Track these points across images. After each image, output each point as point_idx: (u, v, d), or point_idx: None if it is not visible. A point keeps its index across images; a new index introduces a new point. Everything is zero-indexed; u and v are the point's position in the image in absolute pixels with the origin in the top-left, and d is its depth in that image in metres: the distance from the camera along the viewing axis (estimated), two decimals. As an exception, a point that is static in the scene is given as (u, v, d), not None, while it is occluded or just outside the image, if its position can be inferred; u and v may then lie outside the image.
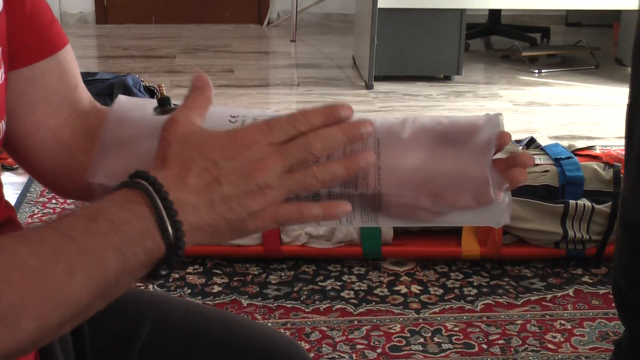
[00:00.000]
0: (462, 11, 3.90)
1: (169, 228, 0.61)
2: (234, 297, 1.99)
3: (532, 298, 2.01)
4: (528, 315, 1.93)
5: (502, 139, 0.74)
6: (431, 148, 0.74)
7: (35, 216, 2.41)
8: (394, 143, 0.74)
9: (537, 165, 2.30)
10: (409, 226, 2.21)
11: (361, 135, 0.68)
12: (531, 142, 2.46)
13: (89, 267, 0.58)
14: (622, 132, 1.53)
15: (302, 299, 1.99)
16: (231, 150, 0.64)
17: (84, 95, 0.84)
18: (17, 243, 0.57)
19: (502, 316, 1.93)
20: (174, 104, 0.81)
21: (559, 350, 1.80)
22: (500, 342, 1.82)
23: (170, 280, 2.06)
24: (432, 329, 1.86)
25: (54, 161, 0.81)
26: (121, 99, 0.83)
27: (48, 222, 0.60)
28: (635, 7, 3.66)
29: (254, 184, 0.64)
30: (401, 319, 1.91)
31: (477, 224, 0.80)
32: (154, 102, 0.82)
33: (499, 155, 0.75)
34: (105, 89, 3.06)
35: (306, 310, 1.94)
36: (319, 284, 2.06)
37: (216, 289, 2.02)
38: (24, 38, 0.76)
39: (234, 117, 0.78)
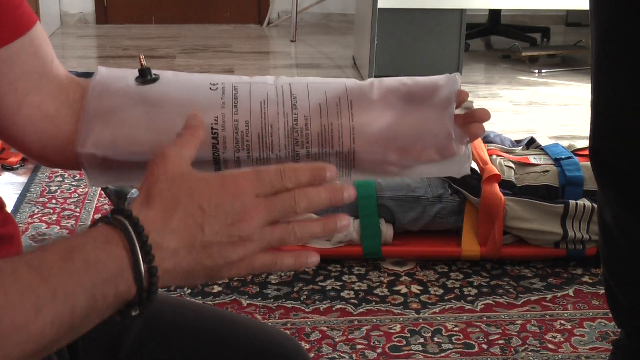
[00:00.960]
0: (462, 11, 3.90)
1: (143, 273, 0.61)
2: (234, 297, 1.99)
3: (532, 298, 2.01)
4: (528, 315, 1.93)
5: (461, 96, 0.81)
6: (398, 107, 0.82)
7: (35, 216, 2.41)
8: (365, 104, 0.81)
9: (537, 165, 2.30)
10: (408, 229, 2.21)
11: (343, 200, 0.69)
12: (531, 142, 2.46)
13: (56, 307, 0.58)
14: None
15: (302, 299, 1.99)
16: (218, 197, 0.65)
17: (61, 69, 0.86)
18: None
19: (502, 316, 1.93)
20: (154, 74, 0.83)
21: (559, 350, 1.80)
22: (500, 342, 1.82)
23: (170, 280, 2.06)
24: (432, 329, 1.86)
25: (40, 135, 0.82)
26: (102, 70, 0.85)
27: (24, 255, 0.60)
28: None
29: (236, 235, 0.65)
30: (401, 319, 1.91)
31: (440, 175, 0.91)
32: (134, 72, 0.84)
33: (457, 112, 0.82)
34: (105, 89, 3.06)
35: (306, 310, 1.94)
36: (319, 284, 2.06)
37: (216, 289, 2.02)
38: None
39: (214, 84, 0.82)
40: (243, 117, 0.82)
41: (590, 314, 1.94)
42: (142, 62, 0.84)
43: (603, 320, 1.91)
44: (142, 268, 0.61)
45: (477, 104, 3.70)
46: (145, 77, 0.83)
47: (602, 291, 2.03)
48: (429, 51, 3.98)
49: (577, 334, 1.86)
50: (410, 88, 0.84)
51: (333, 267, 2.14)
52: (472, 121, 0.83)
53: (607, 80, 1.40)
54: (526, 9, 4.85)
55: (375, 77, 3.72)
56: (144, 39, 5.00)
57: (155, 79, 0.83)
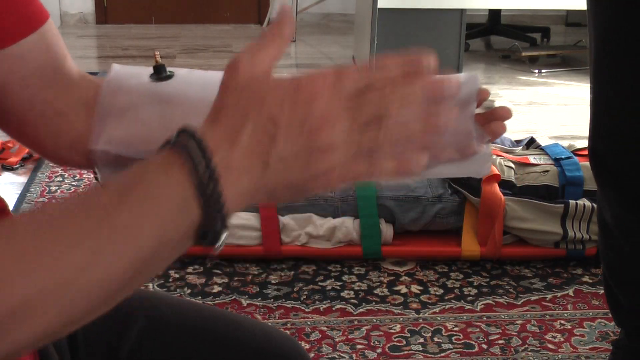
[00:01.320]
0: (462, 11, 3.90)
1: (210, 197, 0.55)
2: (234, 297, 1.99)
3: (532, 298, 2.01)
4: (528, 315, 1.93)
5: (481, 95, 0.77)
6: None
7: (35, 216, 2.41)
8: None
9: (537, 165, 2.30)
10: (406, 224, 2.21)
11: (444, 96, 0.62)
12: (531, 142, 2.46)
13: (118, 245, 0.54)
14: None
15: (302, 299, 1.99)
16: (292, 104, 0.57)
17: (73, 67, 0.84)
18: (37, 223, 0.54)
19: (502, 316, 1.93)
20: (169, 71, 0.82)
21: (559, 350, 1.80)
22: (500, 342, 1.82)
23: (170, 280, 2.06)
24: (432, 329, 1.86)
25: (53, 132, 0.81)
26: (116, 67, 0.83)
27: (81, 196, 0.56)
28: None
29: (317, 144, 0.57)
30: (401, 319, 1.91)
31: (460, 175, 0.84)
32: (149, 70, 0.83)
33: (478, 111, 0.79)
34: (105, 89, 3.06)
35: (306, 310, 1.94)
36: (319, 284, 2.06)
37: (216, 289, 2.02)
38: (7, 17, 0.77)
39: None
40: None
41: (590, 314, 1.94)
42: (157, 59, 0.82)
43: (603, 320, 1.91)
44: (209, 192, 0.55)
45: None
46: (160, 74, 0.82)
47: (602, 291, 2.03)
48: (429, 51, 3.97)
49: (577, 334, 1.86)
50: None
51: (333, 267, 2.14)
52: (493, 119, 0.80)
53: (606, 80, 1.40)
54: (526, 9, 4.85)
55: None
56: (144, 39, 5.00)
57: (170, 76, 0.82)
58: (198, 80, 0.83)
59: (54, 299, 0.52)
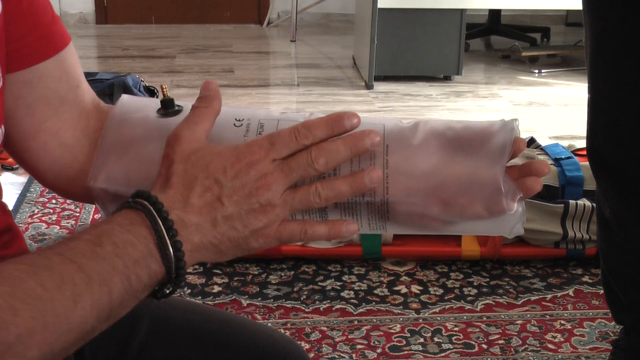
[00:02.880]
0: (462, 11, 3.90)
1: (169, 248, 0.62)
2: (234, 297, 1.99)
3: (532, 298, 2.01)
4: (528, 315, 1.93)
5: (517, 145, 0.70)
6: (442, 154, 0.71)
7: (35, 216, 2.41)
8: (403, 149, 0.71)
9: (537, 165, 2.30)
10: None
11: (366, 148, 0.66)
12: (531, 142, 2.46)
13: (94, 294, 0.59)
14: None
15: (302, 299, 1.99)
16: (234, 168, 0.65)
17: (87, 95, 0.82)
18: (23, 272, 0.58)
19: (502, 316, 1.93)
20: (177, 105, 0.78)
21: (559, 350, 1.80)
22: (500, 342, 1.82)
23: (170, 280, 2.06)
24: (432, 329, 1.86)
25: (55, 163, 0.79)
26: (124, 99, 0.80)
27: (54, 246, 0.61)
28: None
29: (256, 203, 0.65)
30: (401, 319, 1.91)
31: (488, 234, 0.77)
32: (157, 102, 0.79)
33: (514, 162, 0.72)
34: (105, 89, 3.06)
35: (306, 310, 1.94)
36: (319, 284, 2.06)
37: (216, 289, 2.02)
38: (23, 39, 0.74)
39: (239, 120, 0.74)
40: None
41: (590, 314, 1.94)
42: (165, 92, 0.78)
43: (603, 320, 1.91)
44: (168, 243, 0.62)
45: (477, 104, 3.70)
46: (167, 108, 0.77)
47: (602, 291, 2.03)
48: (429, 51, 3.98)
49: (577, 334, 1.86)
50: (459, 133, 0.72)
51: (333, 267, 2.14)
52: (528, 174, 0.71)
53: (603, 79, 1.40)
54: (526, 9, 4.85)
55: (375, 76, 3.70)
56: (144, 39, 5.00)
57: (178, 111, 0.77)
58: None
59: (40, 339, 0.57)
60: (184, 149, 0.66)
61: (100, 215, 2.40)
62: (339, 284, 2.06)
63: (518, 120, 0.72)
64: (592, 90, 1.43)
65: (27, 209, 2.46)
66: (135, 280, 0.61)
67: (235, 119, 0.75)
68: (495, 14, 4.91)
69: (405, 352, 1.78)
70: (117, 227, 0.62)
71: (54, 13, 0.77)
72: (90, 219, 2.39)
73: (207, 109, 0.70)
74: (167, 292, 0.65)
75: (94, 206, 2.47)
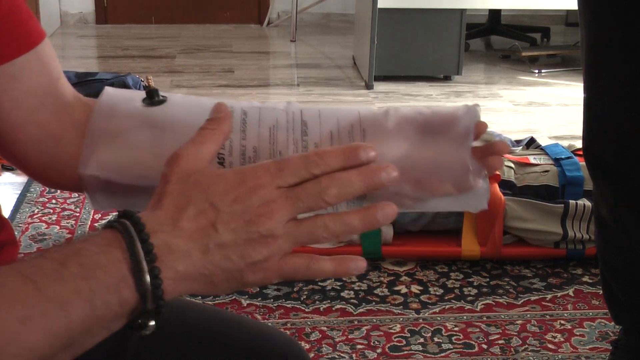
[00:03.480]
0: (462, 11, 3.90)
1: (146, 275, 0.56)
2: (234, 297, 1.99)
3: (532, 298, 2.01)
4: (528, 315, 1.93)
5: (479, 128, 0.76)
6: (413, 138, 0.76)
7: (35, 216, 2.41)
8: (379, 134, 0.75)
9: (537, 165, 2.30)
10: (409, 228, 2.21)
11: (382, 182, 0.62)
12: (531, 142, 2.46)
13: (48, 317, 0.54)
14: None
15: (302, 299, 1.99)
16: (234, 192, 0.59)
17: (67, 88, 0.83)
18: None
19: (502, 316, 1.93)
20: (162, 96, 0.80)
21: (559, 350, 1.80)
22: (500, 342, 1.82)
23: (170, 280, 2.06)
24: (432, 329, 1.86)
25: (43, 154, 0.80)
26: (108, 90, 0.82)
27: (19, 262, 0.56)
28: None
29: (256, 232, 0.59)
30: (401, 319, 1.91)
31: (456, 210, 0.83)
32: (142, 94, 0.81)
33: (476, 144, 0.77)
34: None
35: (306, 310, 1.94)
36: (319, 284, 2.06)
37: (216, 289, 2.02)
38: (2, 36, 0.76)
39: None
40: (251, 142, 0.76)
41: (590, 314, 1.94)
42: (150, 83, 0.81)
43: (603, 320, 1.91)
44: (144, 269, 0.56)
45: (477, 104, 3.70)
46: (152, 98, 0.80)
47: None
48: (429, 51, 3.98)
49: (577, 334, 1.86)
50: (427, 118, 0.78)
51: (333, 267, 2.14)
52: (490, 154, 0.78)
53: (599, 79, 1.41)
54: (526, 9, 4.85)
55: (375, 76, 3.71)
56: (144, 39, 5.00)
57: (162, 101, 0.80)
58: (191, 106, 0.81)
59: None
60: (182, 169, 0.61)
61: (93, 209, 2.41)
62: (339, 284, 2.06)
63: (479, 105, 0.78)
64: (588, 90, 1.43)
65: (27, 209, 2.46)
66: (102, 307, 0.55)
67: None
68: (495, 14, 4.91)
69: (405, 352, 1.78)
70: (90, 247, 0.57)
71: (29, 11, 0.78)
72: (90, 219, 2.39)
73: (214, 131, 0.65)
74: (148, 324, 0.58)
75: (94, 206, 2.46)
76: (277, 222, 0.59)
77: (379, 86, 3.91)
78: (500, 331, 1.86)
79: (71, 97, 0.83)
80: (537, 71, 4.31)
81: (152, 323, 0.58)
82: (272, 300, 1.98)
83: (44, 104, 0.80)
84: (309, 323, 1.89)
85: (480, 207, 0.79)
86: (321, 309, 1.94)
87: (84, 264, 0.56)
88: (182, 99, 0.82)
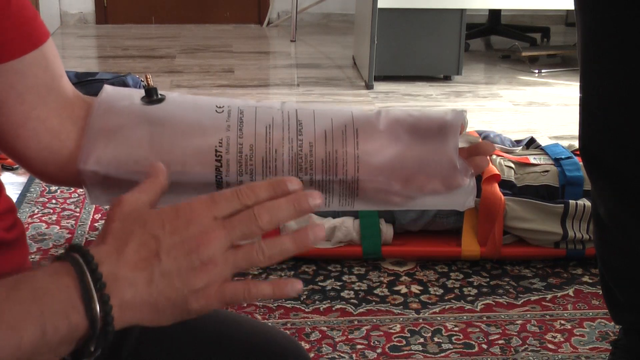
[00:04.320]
0: (462, 11, 3.90)
1: (95, 301, 0.58)
2: (234, 297, 1.99)
3: (532, 298, 2.01)
4: (528, 315, 1.93)
5: (462, 128, 0.82)
6: (403, 137, 0.81)
7: (35, 216, 2.41)
8: (371, 133, 0.80)
9: (537, 165, 2.30)
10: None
11: (310, 208, 0.66)
12: (531, 142, 2.46)
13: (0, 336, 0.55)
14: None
15: (302, 299, 1.99)
16: (173, 224, 0.62)
17: (68, 85, 0.85)
18: None
19: (502, 316, 1.93)
20: (161, 94, 0.83)
21: (559, 350, 1.80)
22: (500, 342, 1.82)
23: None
24: (432, 329, 1.86)
25: (43, 150, 0.82)
26: (107, 88, 0.84)
27: None
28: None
29: (197, 260, 0.62)
30: (401, 319, 1.91)
31: (444, 207, 0.87)
32: (140, 92, 0.83)
33: (462, 145, 0.83)
34: (105, 89, 3.06)
35: (306, 310, 1.94)
36: (319, 284, 2.06)
37: (216, 289, 2.02)
38: (10, 33, 0.77)
39: (219, 107, 0.81)
40: (248, 140, 0.80)
41: (590, 314, 1.94)
42: (149, 82, 0.83)
43: (603, 320, 1.91)
44: (94, 295, 0.58)
45: (477, 103, 3.70)
46: (151, 97, 0.83)
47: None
48: (429, 51, 3.98)
49: (577, 334, 1.86)
50: (417, 120, 0.82)
51: (333, 267, 2.14)
52: (476, 154, 0.83)
53: (595, 78, 1.41)
54: (526, 9, 4.85)
55: (375, 76, 3.71)
56: (144, 39, 5.00)
57: (161, 99, 0.83)
58: (189, 105, 0.83)
59: None
60: (123, 209, 0.64)
61: (99, 215, 2.41)
62: (339, 284, 2.06)
63: (466, 110, 0.84)
64: (584, 89, 1.43)
65: (27, 209, 2.46)
66: (52, 332, 0.57)
67: (217, 106, 0.81)
68: (495, 14, 4.91)
69: (405, 352, 1.78)
70: (40, 275, 0.59)
71: (35, 10, 0.81)
72: (90, 219, 2.39)
73: (152, 184, 0.68)
74: (92, 350, 0.60)
75: (94, 205, 2.47)
76: (216, 249, 0.62)
77: (379, 86, 3.91)
78: (500, 331, 1.86)
79: (72, 95, 0.84)
80: (537, 71, 4.31)
81: (95, 348, 0.60)
82: (272, 300, 1.98)
83: (46, 101, 0.81)
84: (309, 323, 1.89)
85: (467, 205, 0.83)
86: (321, 309, 1.95)
87: (35, 288, 0.57)
88: (179, 97, 0.84)
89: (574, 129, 3.29)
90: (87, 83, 3.07)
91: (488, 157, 0.83)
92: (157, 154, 0.80)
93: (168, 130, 0.81)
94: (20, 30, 0.78)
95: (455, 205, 0.84)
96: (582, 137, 1.47)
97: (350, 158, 0.80)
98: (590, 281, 2.09)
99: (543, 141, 2.55)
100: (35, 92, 0.80)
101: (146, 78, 0.84)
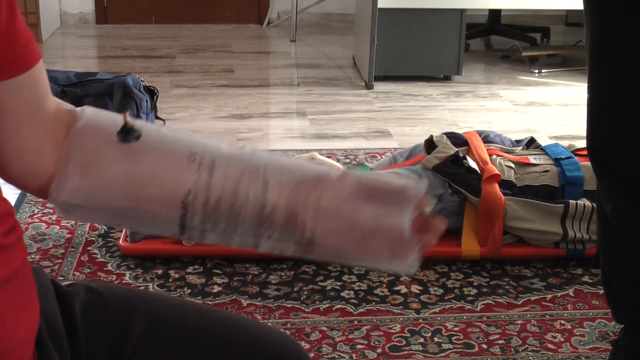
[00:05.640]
0: (462, 11, 3.90)
1: None
2: (234, 297, 1.99)
3: (532, 298, 2.01)
4: (528, 315, 1.93)
5: (422, 202, 0.86)
6: (363, 202, 0.85)
7: (35, 216, 2.41)
8: (333, 195, 0.85)
9: (537, 165, 2.30)
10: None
11: None
12: (531, 142, 2.46)
13: None
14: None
15: (302, 299, 1.99)
16: None
17: (52, 102, 0.87)
18: None
19: (502, 316, 1.93)
20: (137, 130, 0.85)
21: (559, 350, 1.80)
22: (500, 342, 1.82)
23: (170, 280, 2.06)
24: (432, 329, 1.86)
25: (24, 167, 0.85)
26: (87, 113, 0.87)
27: None
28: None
29: None
30: (401, 319, 1.91)
31: (386, 270, 0.91)
32: (120, 119, 0.86)
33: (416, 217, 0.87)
34: (105, 89, 3.06)
35: (306, 310, 1.94)
36: (319, 284, 2.06)
37: (216, 289, 2.02)
38: (7, 54, 0.79)
39: (192, 154, 0.85)
40: (215, 193, 0.85)
41: (590, 314, 1.94)
42: (127, 120, 0.86)
43: (603, 320, 1.91)
44: None
45: (477, 104, 3.70)
46: (127, 134, 0.85)
47: (602, 291, 2.03)
48: (429, 51, 3.98)
49: (577, 334, 1.86)
50: (379, 187, 0.87)
51: (333, 267, 2.14)
52: (428, 229, 0.87)
53: (603, 78, 1.41)
54: (526, 9, 4.85)
55: (375, 76, 3.69)
56: (144, 39, 5.00)
57: (137, 137, 0.86)
58: (165, 147, 0.87)
59: None
60: None
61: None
62: (339, 284, 2.06)
63: (428, 182, 0.93)
64: (592, 89, 1.43)
65: (27, 209, 2.46)
66: None
67: (190, 152, 0.86)
68: (495, 14, 4.91)
69: (405, 352, 1.78)
70: None
71: (30, 33, 0.83)
72: (90, 219, 2.39)
73: None
74: None
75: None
76: None
77: (379, 86, 3.91)
78: (500, 331, 1.86)
79: (54, 112, 0.87)
80: (537, 71, 4.31)
81: None
82: (272, 300, 1.98)
83: (32, 120, 0.84)
84: (309, 323, 1.88)
85: (407, 274, 0.87)
86: (321, 309, 1.94)
87: None
88: (156, 134, 0.87)
89: (574, 129, 3.30)
90: (87, 83, 3.07)
91: (437, 237, 0.88)
92: (130, 190, 0.84)
93: (142, 170, 0.85)
94: (17, 52, 0.80)
95: (396, 271, 0.89)
96: (589, 136, 1.47)
97: (309, 219, 0.84)
98: (590, 281, 2.09)
99: (543, 141, 2.55)
100: (22, 111, 0.83)
101: (125, 116, 0.86)
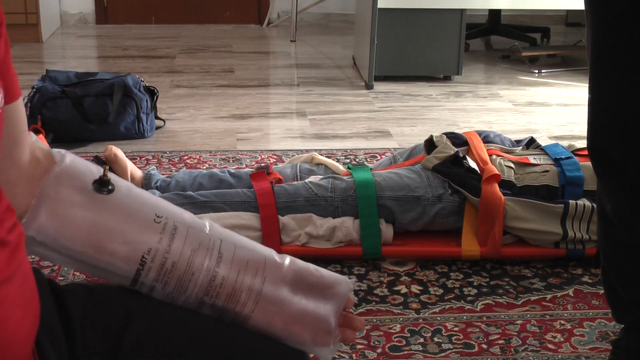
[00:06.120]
0: (462, 11, 3.90)
1: None
2: (234, 297, 1.99)
3: (532, 298, 2.01)
4: (528, 315, 1.93)
5: (348, 302, 1.00)
6: (300, 290, 0.98)
7: (35, 216, 2.41)
8: (276, 282, 0.97)
9: (537, 165, 2.30)
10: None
11: None
12: (531, 142, 2.46)
13: None
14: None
15: (302, 299, 1.98)
16: None
17: (29, 140, 0.91)
18: None
19: (502, 316, 1.93)
20: (111, 185, 0.92)
21: (559, 350, 1.80)
22: (500, 342, 1.82)
23: (170, 280, 2.06)
24: (432, 329, 1.86)
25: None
26: (67, 160, 0.92)
27: None
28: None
29: None
30: (401, 319, 1.91)
31: (307, 352, 1.00)
32: (98, 170, 0.92)
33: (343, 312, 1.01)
34: (105, 89, 3.06)
35: (306, 310, 1.94)
36: (319, 284, 2.05)
37: (216, 289, 2.02)
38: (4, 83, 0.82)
39: (159, 217, 0.93)
40: (172, 257, 0.93)
41: (590, 314, 1.94)
42: (106, 172, 0.92)
43: (603, 320, 1.91)
44: None
45: (477, 103, 3.71)
46: (103, 187, 0.91)
47: (602, 291, 2.03)
48: (429, 51, 3.98)
49: (577, 334, 1.86)
50: (316, 279, 1.00)
51: (333, 267, 2.14)
52: (349, 326, 1.00)
53: (605, 78, 1.41)
54: (526, 9, 4.85)
55: (375, 76, 3.69)
56: (144, 39, 5.00)
57: (111, 190, 0.92)
58: (133, 204, 0.93)
59: None
60: None
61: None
62: (339, 284, 2.06)
63: (355, 280, 1.03)
64: (593, 89, 1.43)
65: (27, 209, 2.45)
66: None
67: (156, 215, 0.93)
68: (495, 14, 4.91)
69: (405, 352, 1.78)
70: None
71: (14, 70, 0.86)
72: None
73: None
74: None
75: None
76: None
77: (379, 86, 3.91)
78: (500, 331, 1.86)
79: (30, 153, 0.90)
80: (537, 71, 4.31)
81: None
82: (272, 300, 1.97)
83: (12, 152, 0.88)
84: (309, 323, 1.88)
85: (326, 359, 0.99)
86: (321, 309, 1.94)
87: None
88: (127, 192, 0.94)
89: (574, 129, 3.30)
90: (87, 83, 3.07)
91: (357, 334, 1.01)
92: (93, 239, 0.90)
93: (109, 222, 0.91)
94: (6, 82, 0.83)
95: (316, 355, 0.99)
96: (589, 136, 1.48)
97: (251, 299, 0.95)
98: (590, 281, 2.09)
99: (543, 141, 2.55)
100: (4, 143, 0.85)
101: (104, 170, 0.92)
